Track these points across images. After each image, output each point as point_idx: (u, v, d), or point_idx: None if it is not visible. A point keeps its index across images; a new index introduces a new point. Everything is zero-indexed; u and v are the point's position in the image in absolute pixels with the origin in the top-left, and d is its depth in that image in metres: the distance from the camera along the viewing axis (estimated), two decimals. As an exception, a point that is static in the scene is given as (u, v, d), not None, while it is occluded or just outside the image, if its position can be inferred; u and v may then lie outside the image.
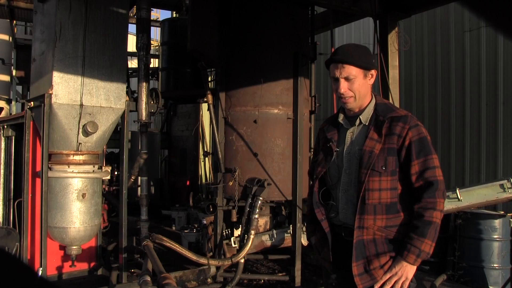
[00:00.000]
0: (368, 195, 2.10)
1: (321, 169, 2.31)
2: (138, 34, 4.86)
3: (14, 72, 10.29)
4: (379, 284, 2.09)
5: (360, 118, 2.23)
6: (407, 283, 2.08)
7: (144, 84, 4.81)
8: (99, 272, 5.26)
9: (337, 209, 2.26)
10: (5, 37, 9.74)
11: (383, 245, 2.12)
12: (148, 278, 3.40)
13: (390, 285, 2.08)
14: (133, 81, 8.25)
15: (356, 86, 2.16)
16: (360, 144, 2.18)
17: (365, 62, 2.18)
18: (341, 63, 2.15)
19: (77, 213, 4.77)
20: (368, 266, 2.12)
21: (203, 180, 10.04)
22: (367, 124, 2.21)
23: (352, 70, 2.14)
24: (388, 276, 2.09)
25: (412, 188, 2.12)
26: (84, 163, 4.83)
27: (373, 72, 2.21)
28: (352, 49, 2.24)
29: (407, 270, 2.07)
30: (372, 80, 2.22)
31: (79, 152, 4.78)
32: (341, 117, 2.30)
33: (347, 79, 2.15)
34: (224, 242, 5.46)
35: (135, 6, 5.32)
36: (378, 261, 2.11)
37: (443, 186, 2.09)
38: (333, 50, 5.85)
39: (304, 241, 5.50)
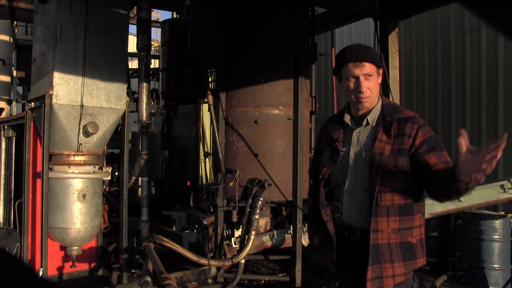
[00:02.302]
0: (380, 197, 2.08)
1: (327, 169, 2.27)
2: (138, 34, 4.86)
3: (14, 73, 10.29)
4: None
5: (367, 119, 2.20)
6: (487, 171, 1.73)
7: (144, 84, 4.81)
8: (100, 272, 5.26)
9: (341, 210, 2.23)
10: (6, 37, 9.75)
11: (397, 252, 2.09)
12: (149, 279, 3.40)
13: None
14: (134, 81, 8.25)
15: (373, 84, 2.15)
16: (368, 145, 2.16)
17: (378, 60, 2.20)
18: (362, 61, 2.12)
19: (77, 214, 4.77)
20: (381, 272, 2.09)
21: (204, 181, 10.05)
22: (374, 125, 2.19)
23: (371, 68, 2.13)
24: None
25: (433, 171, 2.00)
26: (85, 163, 4.84)
27: (381, 70, 2.22)
28: (365, 47, 2.25)
29: None
30: (380, 79, 2.23)
31: (80, 153, 4.78)
32: (347, 117, 2.27)
33: (367, 77, 2.13)
34: (225, 242, 5.46)
35: (135, 7, 5.32)
36: (392, 269, 2.08)
37: None
38: (333, 50, 5.88)
39: (305, 241, 5.50)
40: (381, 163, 2.08)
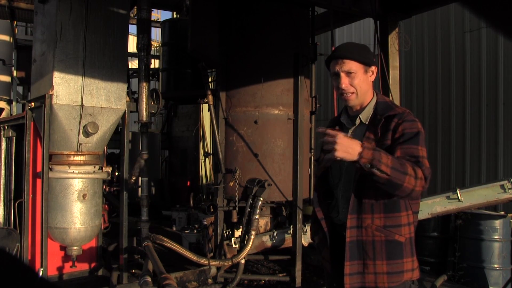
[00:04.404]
0: (363, 194, 2.09)
1: (321, 169, 2.31)
2: (138, 34, 4.86)
3: (14, 73, 10.30)
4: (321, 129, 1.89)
5: (360, 117, 2.21)
6: (336, 148, 1.81)
7: (144, 84, 4.82)
8: (100, 272, 5.26)
9: (338, 209, 2.25)
10: (6, 37, 9.75)
11: (381, 250, 2.08)
12: (149, 279, 3.40)
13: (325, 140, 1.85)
14: (134, 81, 8.26)
15: (357, 81, 2.14)
16: None
17: (365, 57, 2.17)
18: (341, 58, 2.14)
19: (77, 214, 4.77)
20: (363, 268, 2.09)
21: (204, 181, 10.04)
22: (367, 123, 2.19)
23: (352, 65, 2.13)
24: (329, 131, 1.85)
25: None
26: (85, 163, 4.84)
27: (374, 69, 2.20)
28: (352, 45, 2.25)
29: (351, 146, 1.81)
30: (373, 77, 2.21)
31: (80, 153, 4.78)
32: (343, 117, 2.30)
33: (348, 74, 2.14)
34: (225, 242, 5.46)
35: (135, 7, 5.32)
36: (374, 267, 2.08)
37: (428, 173, 1.92)
38: (333, 49, 5.89)
39: (305, 241, 5.51)
40: None
